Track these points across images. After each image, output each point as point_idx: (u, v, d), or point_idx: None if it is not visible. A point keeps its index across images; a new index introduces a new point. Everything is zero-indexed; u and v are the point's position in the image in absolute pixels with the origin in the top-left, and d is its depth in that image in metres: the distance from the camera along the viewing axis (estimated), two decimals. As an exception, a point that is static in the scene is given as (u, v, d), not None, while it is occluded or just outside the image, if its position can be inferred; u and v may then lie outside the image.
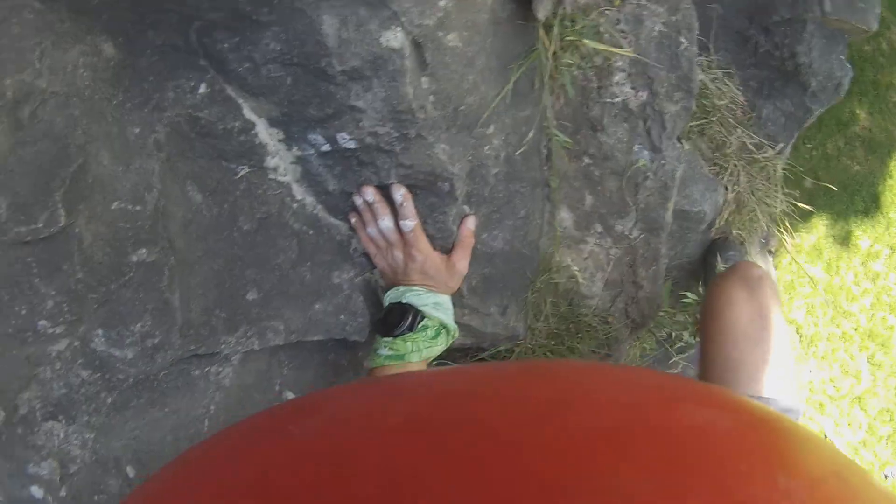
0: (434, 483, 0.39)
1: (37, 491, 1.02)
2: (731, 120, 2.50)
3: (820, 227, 5.00)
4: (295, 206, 1.28)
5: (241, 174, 1.21)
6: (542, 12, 1.29)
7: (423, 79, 1.15)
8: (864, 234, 5.13)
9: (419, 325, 1.32)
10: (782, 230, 2.75)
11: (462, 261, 1.39)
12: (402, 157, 1.21)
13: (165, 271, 1.09)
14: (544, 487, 0.37)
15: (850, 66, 2.68)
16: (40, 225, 0.93)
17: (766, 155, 2.64)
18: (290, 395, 1.42)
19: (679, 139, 1.66)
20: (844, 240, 5.04)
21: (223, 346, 1.20)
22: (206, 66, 1.10)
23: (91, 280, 1.01)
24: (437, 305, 1.35)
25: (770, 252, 2.83)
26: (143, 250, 1.06)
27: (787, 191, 2.98)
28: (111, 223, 1.03)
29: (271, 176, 1.24)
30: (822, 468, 0.45)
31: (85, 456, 1.08)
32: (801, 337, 5.02)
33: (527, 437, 0.43)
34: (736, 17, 2.54)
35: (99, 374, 1.05)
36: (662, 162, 1.64)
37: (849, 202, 5.10)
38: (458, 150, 1.29)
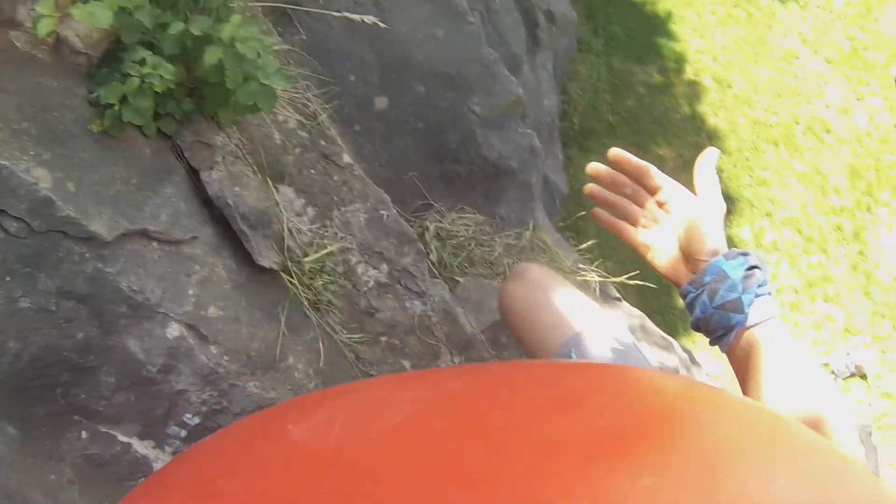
0: (433, 483, 0.39)
1: None
2: (484, 237, 2.76)
3: None
4: None
5: (142, 485, 1.47)
6: (264, 261, 1.65)
7: (210, 347, 1.48)
8: (740, 227, 5.52)
9: None
10: (592, 274, 2.96)
11: None
12: (232, 408, 1.54)
13: None
14: (536, 489, 0.37)
15: (529, 131, 3.00)
16: None
17: (527, 238, 2.92)
18: None
19: (433, 276, 1.98)
20: (730, 246, 5.24)
21: None
22: (79, 419, 1.46)
23: None
24: None
25: (615, 298, 3.03)
26: None
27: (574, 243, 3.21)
28: None
29: None
30: (821, 466, 0.45)
31: None
32: None
33: (521, 437, 0.43)
34: (431, 168, 2.82)
35: None
36: (432, 298, 1.96)
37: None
38: (270, 384, 1.58)
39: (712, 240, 1.14)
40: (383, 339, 1.95)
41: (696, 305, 1.14)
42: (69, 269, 1.36)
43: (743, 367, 1.08)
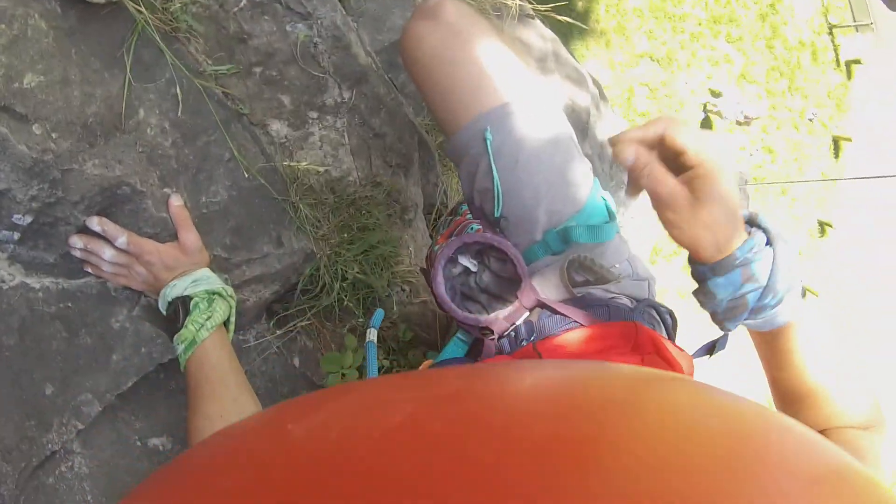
0: (433, 483, 0.39)
1: None
2: None
3: None
4: (40, 294, 1.30)
5: (-22, 303, 1.24)
6: (95, -6, 1.27)
7: (32, 127, 1.18)
8: None
9: (191, 307, 1.36)
10: None
11: (188, 235, 1.42)
12: (70, 197, 1.25)
13: None
14: (535, 488, 0.37)
15: None
16: None
17: None
18: (156, 441, 1.48)
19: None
20: None
21: (50, 445, 1.26)
22: None
23: None
24: (195, 282, 1.39)
25: (530, 17, 2.71)
26: None
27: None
28: None
29: (4, 286, 1.26)
30: (823, 467, 0.45)
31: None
32: (658, 62, 4.93)
33: (521, 436, 0.43)
34: None
35: None
36: (319, 21, 1.63)
37: None
38: (114, 155, 1.30)
39: (740, 217, 1.04)
40: (257, 70, 1.59)
41: (718, 293, 1.07)
42: None
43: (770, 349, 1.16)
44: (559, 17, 2.46)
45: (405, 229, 2.04)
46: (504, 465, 0.40)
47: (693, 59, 5.09)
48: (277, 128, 1.67)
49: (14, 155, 1.14)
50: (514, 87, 1.43)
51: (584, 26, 4.71)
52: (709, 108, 5.13)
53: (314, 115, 1.72)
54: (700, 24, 5.11)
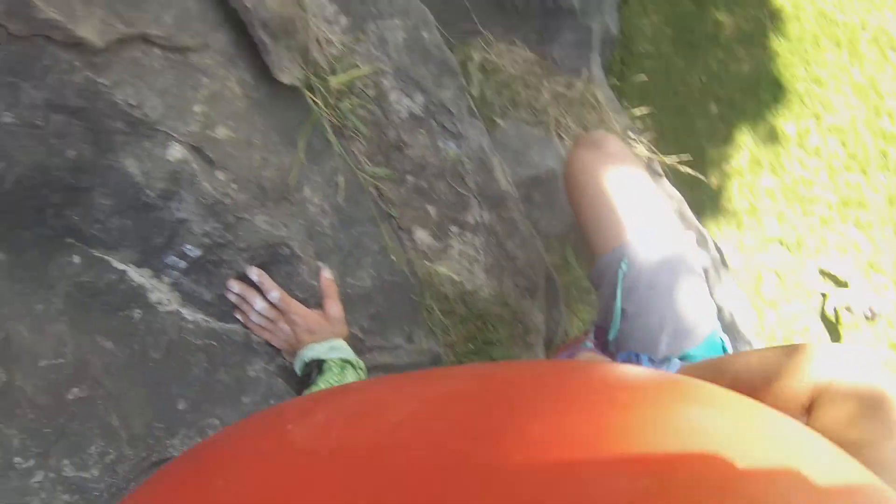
0: (434, 483, 0.38)
1: None
2: (532, 79, 2.58)
3: (745, 140, 4.90)
4: (190, 326, 1.43)
5: (137, 318, 1.33)
6: (285, 77, 1.45)
7: (217, 173, 1.31)
8: (785, 121, 5.05)
9: (325, 369, 1.42)
10: (641, 146, 2.77)
11: (333, 306, 1.54)
12: (237, 243, 1.36)
13: (99, 401, 1.28)
14: (536, 489, 0.36)
15: None
16: None
17: (578, 90, 2.70)
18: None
19: (473, 116, 1.77)
20: (772, 136, 4.97)
21: (171, 449, 1.37)
22: (71, 242, 1.31)
23: (42, 418, 1.20)
24: (332, 349, 1.48)
25: (659, 174, 2.86)
26: (76, 388, 1.26)
27: (626, 105, 3.03)
28: (43, 375, 1.22)
29: (160, 309, 1.40)
30: (827, 472, 0.43)
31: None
32: (788, 248, 4.92)
33: (521, 436, 0.42)
34: None
35: (78, 496, 1.23)
36: (468, 142, 1.77)
37: (756, 101, 5.00)
38: (281, 218, 1.41)
39: None
40: (410, 178, 1.75)
41: None
42: (57, 80, 1.15)
43: None
44: (691, 172, 2.56)
45: (525, 351, 2.08)
46: (504, 465, 0.39)
47: (822, 246, 5.01)
48: (421, 235, 1.79)
49: (199, 190, 1.28)
50: (657, 223, 1.56)
51: (709, 185, 4.75)
52: (836, 301, 4.97)
53: (455, 229, 1.83)
54: (830, 208, 5.06)
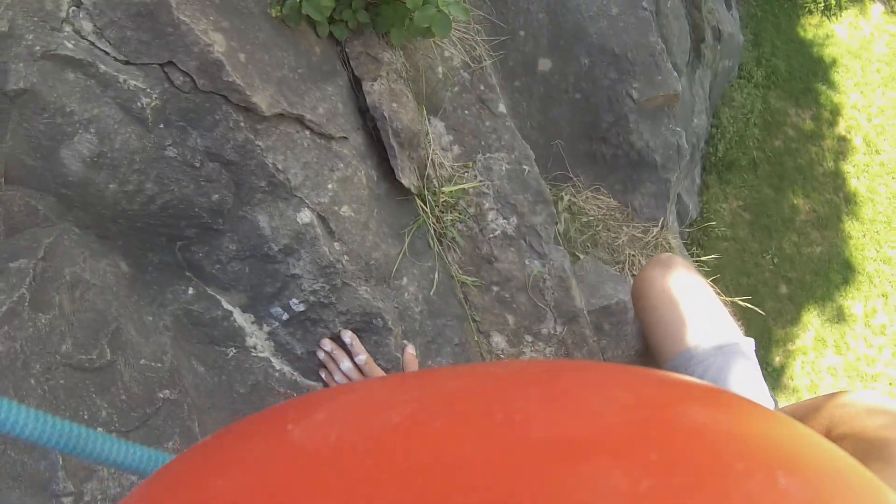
0: (433, 483, 0.39)
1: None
2: (612, 223, 2.73)
3: (812, 321, 4.91)
4: (276, 374, 1.54)
5: (230, 355, 1.45)
6: (405, 180, 1.62)
7: (335, 243, 1.47)
8: (854, 301, 5.07)
9: None
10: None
11: None
12: (338, 306, 1.49)
13: (185, 406, 1.40)
14: (536, 489, 0.37)
15: (679, 129, 2.90)
16: (94, 357, 1.26)
17: (653, 235, 2.86)
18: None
19: (557, 242, 1.92)
20: (839, 316, 5.00)
21: None
22: (189, 276, 1.46)
23: (131, 403, 1.30)
24: None
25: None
26: (167, 391, 1.37)
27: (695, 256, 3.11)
28: (141, 371, 1.34)
29: (253, 353, 1.52)
30: (824, 467, 0.44)
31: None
32: None
33: (521, 436, 0.42)
34: (578, 142, 2.79)
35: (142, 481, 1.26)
36: (551, 262, 1.90)
37: (826, 282, 5.04)
38: (380, 295, 1.54)
39: None
40: (495, 288, 1.89)
41: None
42: (222, 133, 1.33)
43: None
44: (754, 308, 2.64)
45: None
46: (503, 465, 0.39)
47: None
48: (498, 340, 1.90)
49: (317, 252, 1.43)
50: (721, 336, 1.62)
51: (771, 363, 4.70)
52: None
53: (529, 338, 1.94)
54: (891, 384, 4.94)
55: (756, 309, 2.98)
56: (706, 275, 3.00)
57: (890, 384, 4.97)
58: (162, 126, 1.29)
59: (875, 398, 1.33)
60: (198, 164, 1.33)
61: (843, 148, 5.65)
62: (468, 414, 0.47)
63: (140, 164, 1.29)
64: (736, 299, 2.87)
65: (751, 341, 1.65)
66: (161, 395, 1.36)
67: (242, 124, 1.34)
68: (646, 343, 1.80)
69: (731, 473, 0.39)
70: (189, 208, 1.36)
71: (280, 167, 1.40)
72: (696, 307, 1.66)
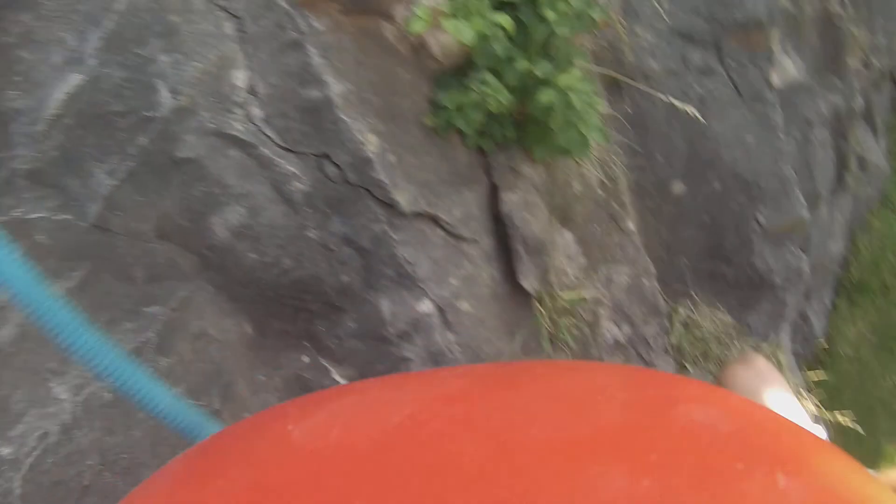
0: (433, 483, 0.38)
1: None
2: (725, 338, 2.63)
3: None
4: None
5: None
6: (526, 283, 1.62)
7: (448, 334, 1.47)
8: None
9: None
10: (809, 403, 2.72)
11: None
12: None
13: None
14: (536, 489, 0.36)
15: (801, 254, 2.81)
16: (203, 403, 1.30)
17: (763, 349, 2.76)
18: None
19: (666, 353, 1.86)
20: None
21: None
22: (307, 345, 1.48)
23: None
24: None
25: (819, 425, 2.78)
26: None
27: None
28: None
29: None
30: (824, 468, 0.42)
31: None
32: None
33: (521, 437, 0.41)
34: (701, 261, 2.71)
35: None
36: (657, 369, 1.84)
37: None
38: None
39: None
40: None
41: None
42: (361, 223, 1.37)
43: None
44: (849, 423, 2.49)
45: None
46: (502, 464, 0.38)
47: None
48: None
49: (431, 340, 1.48)
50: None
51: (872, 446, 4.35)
52: None
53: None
54: None
55: (857, 428, 2.77)
56: (820, 395, 2.85)
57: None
58: (308, 209, 1.34)
59: None
60: (334, 248, 1.37)
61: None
62: (468, 414, 0.46)
63: (282, 240, 1.34)
64: (842, 417, 2.70)
65: (820, 429, 1.58)
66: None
67: (381, 217, 1.38)
68: None
69: (731, 473, 0.38)
70: (318, 285, 1.39)
71: (409, 259, 1.42)
72: (772, 403, 1.59)
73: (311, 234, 1.36)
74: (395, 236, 1.40)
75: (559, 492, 0.36)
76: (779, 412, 1.54)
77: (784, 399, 1.63)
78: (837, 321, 4.67)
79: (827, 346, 4.45)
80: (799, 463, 0.41)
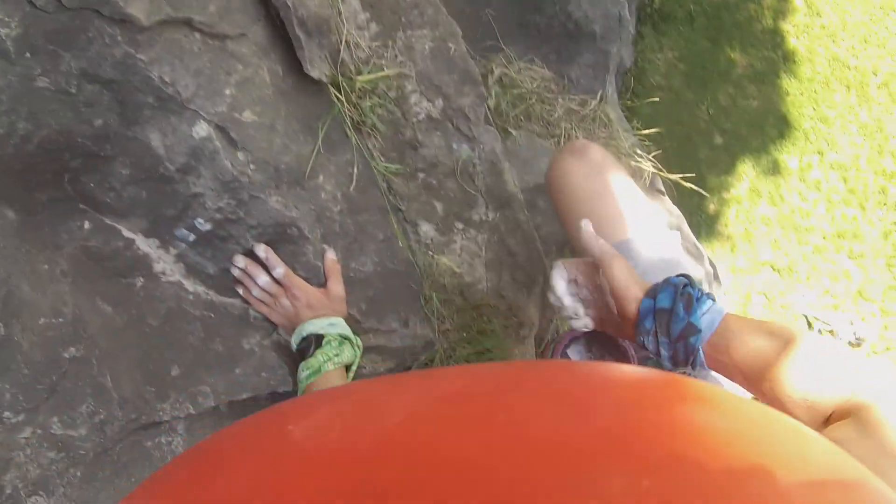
0: (433, 483, 0.37)
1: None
2: (548, 95, 2.56)
3: (746, 171, 4.86)
4: (190, 297, 1.41)
5: (138, 285, 1.32)
6: (315, 72, 1.43)
7: (238, 153, 1.31)
8: (789, 155, 5.01)
9: (323, 343, 1.40)
10: (647, 163, 2.73)
11: (336, 285, 1.50)
12: (248, 220, 1.35)
13: (94, 361, 1.26)
14: (537, 489, 0.36)
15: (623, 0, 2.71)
16: None
17: (591, 108, 2.67)
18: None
19: (488, 123, 1.77)
20: (774, 168, 4.94)
21: (160, 413, 1.33)
22: (83, 208, 1.29)
23: (36, 374, 1.17)
24: (331, 325, 1.44)
25: (660, 192, 2.84)
26: (72, 348, 1.23)
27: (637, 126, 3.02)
28: (41, 333, 1.19)
29: (162, 279, 1.37)
30: (824, 469, 0.42)
31: (70, 528, 1.21)
32: (779, 272, 4.88)
33: (521, 437, 0.41)
34: (510, 11, 2.59)
35: (63, 454, 1.20)
36: (481, 146, 1.76)
37: (762, 136, 4.97)
38: (293, 201, 1.40)
39: (631, 289, 1.19)
40: (421, 175, 1.74)
41: (660, 348, 1.15)
42: (97, 52, 1.13)
43: (730, 370, 1.10)
44: (692, 186, 2.56)
45: (517, 344, 2.07)
46: (504, 465, 0.38)
47: (813, 273, 4.93)
48: (426, 229, 1.77)
49: (219, 167, 1.28)
50: (643, 222, 1.53)
51: (706, 209, 4.71)
52: (822, 325, 4.89)
53: (460, 225, 1.81)
54: (825, 238, 4.99)
55: (701, 191, 2.87)
56: (646, 148, 2.87)
57: (824, 238, 4.96)
58: (28, 55, 1.08)
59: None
60: (74, 90, 1.13)
61: (783, 8, 5.37)
62: (468, 414, 0.46)
63: (8, 102, 1.09)
64: (677, 177, 2.74)
65: (677, 239, 1.58)
66: (66, 356, 1.21)
67: (119, 38, 1.13)
68: (565, 230, 1.69)
69: (730, 473, 0.37)
70: (70, 138, 1.17)
71: (167, 79, 1.20)
72: (625, 200, 1.54)
73: (41, 83, 1.11)
74: (142, 56, 1.17)
75: (559, 492, 0.35)
76: (622, 205, 1.46)
77: (625, 187, 1.56)
78: (644, 50, 4.72)
79: (636, 77, 4.50)
80: (799, 462, 0.41)
